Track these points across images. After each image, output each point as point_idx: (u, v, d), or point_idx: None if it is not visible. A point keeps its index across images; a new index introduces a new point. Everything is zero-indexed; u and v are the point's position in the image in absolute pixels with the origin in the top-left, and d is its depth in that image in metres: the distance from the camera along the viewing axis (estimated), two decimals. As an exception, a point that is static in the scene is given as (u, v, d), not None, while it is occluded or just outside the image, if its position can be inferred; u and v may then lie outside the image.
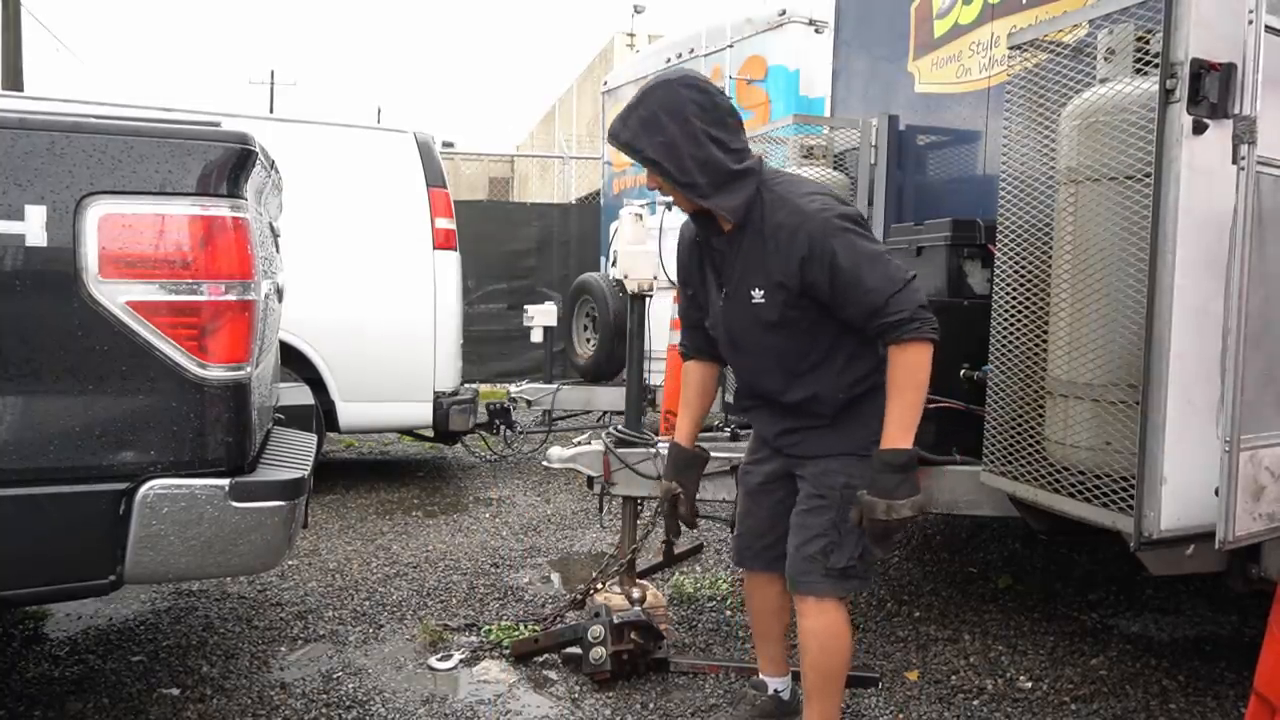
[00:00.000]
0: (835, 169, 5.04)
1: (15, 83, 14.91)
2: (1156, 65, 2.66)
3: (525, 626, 3.62)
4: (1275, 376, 2.69)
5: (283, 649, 3.46)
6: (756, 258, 2.42)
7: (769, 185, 2.42)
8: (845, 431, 2.50)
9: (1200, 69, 2.55)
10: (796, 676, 2.74)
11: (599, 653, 3.10)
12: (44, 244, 2.16)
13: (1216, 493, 2.53)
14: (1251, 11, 2.45)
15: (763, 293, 2.42)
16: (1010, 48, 3.37)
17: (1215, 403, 2.59)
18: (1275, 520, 2.67)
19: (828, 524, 2.46)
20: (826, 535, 2.45)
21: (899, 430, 2.33)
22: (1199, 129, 2.59)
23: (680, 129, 2.31)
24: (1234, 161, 2.47)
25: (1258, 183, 2.49)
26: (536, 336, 7.88)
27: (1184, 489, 2.66)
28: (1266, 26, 2.46)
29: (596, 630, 3.08)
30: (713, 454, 3.75)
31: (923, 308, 2.31)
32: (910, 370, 2.31)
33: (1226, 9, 2.57)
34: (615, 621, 3.16)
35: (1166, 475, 2.65)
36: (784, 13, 7.16)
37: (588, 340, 7.93)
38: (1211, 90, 2.55)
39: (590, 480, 3.61)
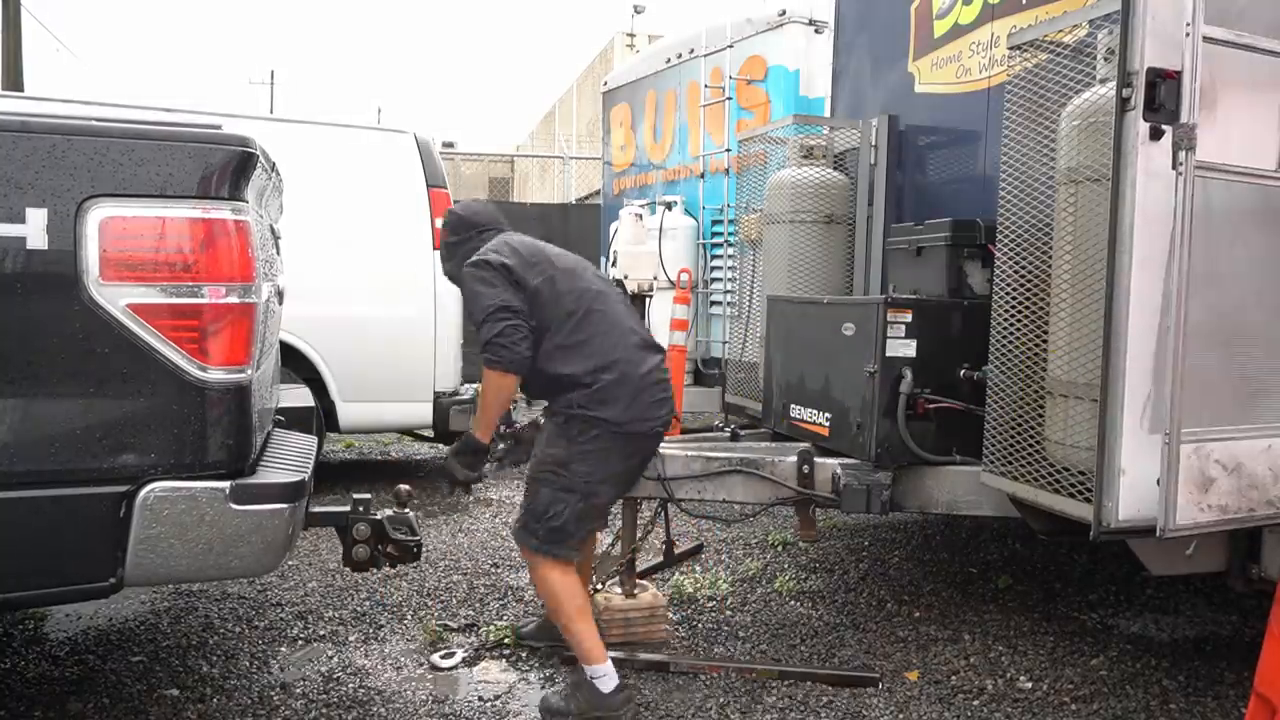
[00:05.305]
0: (835, 169, 5.04)
1: (15, 83, 14.89)
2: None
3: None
4: (1228, 373, 2.77)
5: (283, 649, 3.46)
6: None
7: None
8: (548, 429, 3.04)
9: (1156, 78, 2.62)
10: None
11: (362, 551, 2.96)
12: (45, 247, 2.16)
13: (1158, 483, 2.60)
14: (1189, 24, 2.53)
15: None
16: (1010, 48, 3.38)
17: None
18: (1228, 512, 2.72)
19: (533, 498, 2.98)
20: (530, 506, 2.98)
21: (475, 425, 3.01)
22: (1155, 135, 2.67)
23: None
24: (1173, 167, 2.56)
25: (1201, 187, 2.59)
26: (537, 336, 7.84)
27: (1142, 481, 2.71)
28: (1204, 37, 2.54)
29: (362, 528, 2.92)
30: (713, 454, 3.77)
31: (493, 340, 2.80)
32: (485, 383, 2.89)
33: (1181, 20, 2.62)
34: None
35: (1125, 467, 2.72)
36: (784, 13, 7.14)
37: (588, 340, 7.91)
38: (1169, 98, 2.62)
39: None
